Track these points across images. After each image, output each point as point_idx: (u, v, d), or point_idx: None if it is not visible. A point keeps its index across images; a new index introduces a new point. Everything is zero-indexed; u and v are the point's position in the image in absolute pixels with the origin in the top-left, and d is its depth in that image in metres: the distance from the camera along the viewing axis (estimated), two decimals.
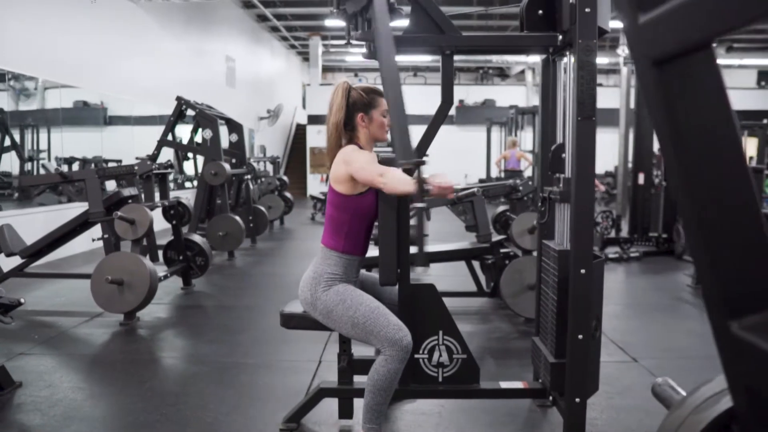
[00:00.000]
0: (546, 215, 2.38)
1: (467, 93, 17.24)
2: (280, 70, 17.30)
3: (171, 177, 8.10)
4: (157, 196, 4.72)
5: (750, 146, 11.33)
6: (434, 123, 2.31)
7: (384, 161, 2.20)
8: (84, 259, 6.57)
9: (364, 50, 2.48)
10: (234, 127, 7.32)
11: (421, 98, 8.29)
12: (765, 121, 8.33)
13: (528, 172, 11.13)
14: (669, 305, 4.64)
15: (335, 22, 13.46)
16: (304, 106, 19.64)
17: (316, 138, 17.62)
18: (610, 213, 7.08)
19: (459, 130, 16.13)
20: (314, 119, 17.72)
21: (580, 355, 2.15)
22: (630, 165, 7.68)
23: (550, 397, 2.43)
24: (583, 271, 2.12)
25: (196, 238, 5.10)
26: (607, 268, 4.89)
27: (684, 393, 1.04)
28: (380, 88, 2.29)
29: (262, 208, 8.00)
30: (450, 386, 2.39)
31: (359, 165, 2.09)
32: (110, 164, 7.85)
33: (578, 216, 2.10)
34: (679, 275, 5.66)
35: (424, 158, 1.97)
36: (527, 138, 12.28)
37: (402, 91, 1.97)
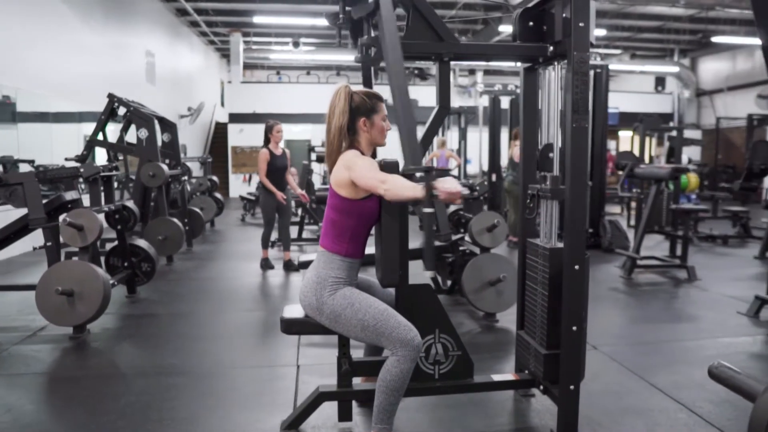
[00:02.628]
0: (534, 211, 2.52)
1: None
2: (199, 67, 16.64)
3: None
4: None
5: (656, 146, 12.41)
6: (432, 127, 2.37)
7: (386, 166, 2.22)
8: None
9: (356, 54, 2.50)
10: (167, 126, 7.00)
11: None
12: (671, 123, 9.12)
13: (455, 172, 11.47)
14: (608, 295, 5.00)
15: (261, 19, 13.17)
16: (222, 104, 19.03)
17: (238, 137, 17.16)
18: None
19: None
20: (236, 117, 17.25)
21: (574, 346, 2.30)
22: None
23: (540, 387, 2.56)
24: (576, 267, 2.27)
25: (142, 243, 4.84)
26: None
27: (739, 371, 1.18)
28: (379, 92, 2.32)
29: (198, 210, 7.71)
30: (446, 382, 2.47)
31: (360, 171, 2.10)
32: (21, 165, 7.23)
33: (572, 216, 2.25)
34: (610, 267, 6.11)
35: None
36: (454, 138, 12.65)
37: (410, 96, 1.99)
